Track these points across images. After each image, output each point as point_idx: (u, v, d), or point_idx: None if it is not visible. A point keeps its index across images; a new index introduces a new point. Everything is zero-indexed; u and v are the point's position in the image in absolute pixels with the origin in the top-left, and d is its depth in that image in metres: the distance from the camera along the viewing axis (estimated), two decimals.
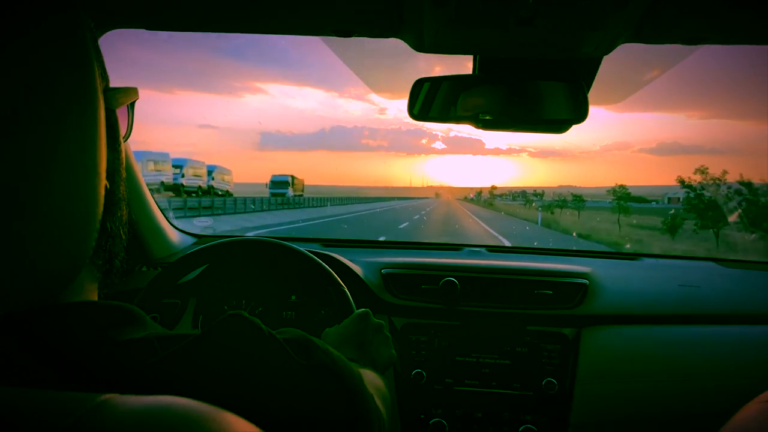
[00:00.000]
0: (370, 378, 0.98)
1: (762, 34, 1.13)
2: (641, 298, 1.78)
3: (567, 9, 1.02)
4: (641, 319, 1.72)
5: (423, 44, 1.21)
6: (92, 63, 0.45)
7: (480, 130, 1.50)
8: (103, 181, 0.48)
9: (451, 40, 1.19)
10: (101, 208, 0.48)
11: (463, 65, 1.49)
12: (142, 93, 0.69)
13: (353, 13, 1.13)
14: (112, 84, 0.61)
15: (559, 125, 1.44)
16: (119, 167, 0.60)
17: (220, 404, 0.43)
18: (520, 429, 1.56)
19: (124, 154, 0.63)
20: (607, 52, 1.23)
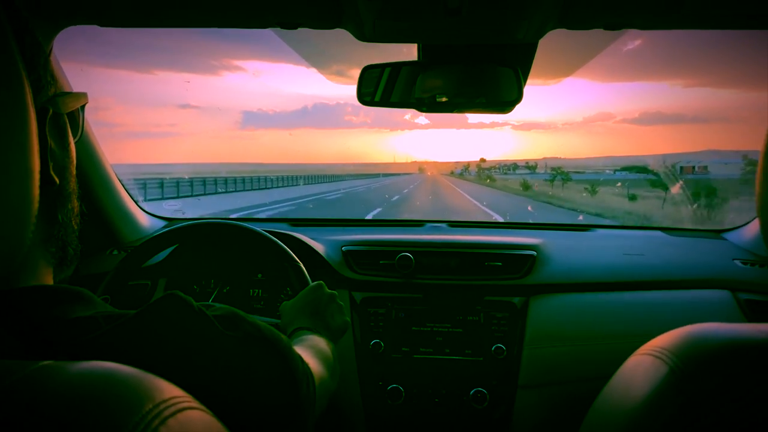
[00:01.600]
0: (314, 342, 1.07)
1: (680, 19, 1.21)
2: (587, 266, 1.89)
3: (488, 0, 1.10)
4: (586, 286, 1.82)
5: (364, 34, 1.28)
6: (20, 75, 0.51)
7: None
8: (36, 180, 0.54)
9: (389, 30, 1.26)
10: (36, 204, 0.54)
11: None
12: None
13: (296, 6, 1.19)
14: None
15: (501, 106, 1.52)
16: (69, 165, 0.68)
17: (156, 371, 0.50)
18: (471, 392, 1.67)
19: (74, 153, 0.70)
20: (538, 37, 1.31)
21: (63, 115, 0.67)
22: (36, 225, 0.62)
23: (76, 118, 0.72)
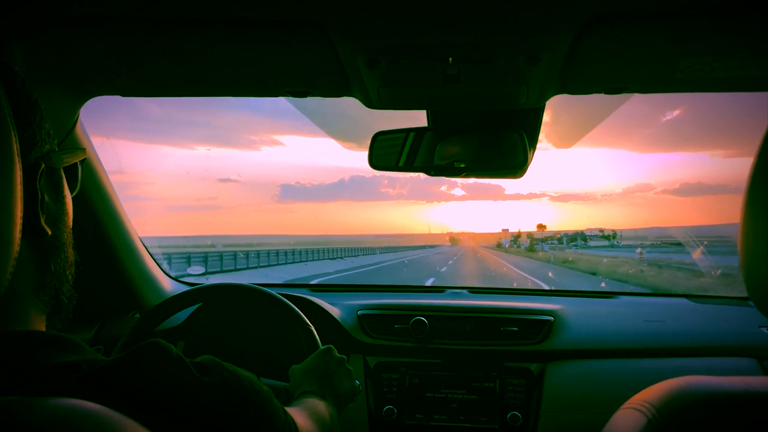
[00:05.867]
0: (312, 404, 1.07)
1: (676, 82, 1.24)
2: (606, 333, 1.85)
3: (486, 67, 1.14)
4: (605, 353, 1.78)
5: (372, 102, 1.34)
6: (8, 132, 0.55)
7: (440, 177, 1.63)
8: (18, 225, 0.57)
9: (394, 98, 1.31)
10: (16, 246, 0.57)
11: None
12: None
13: (306, 76, 1.26)
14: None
15: (510, 170, 1.55)
16: (63, 217, 0.71)
17: (130, 413, 0.52)
18: None
19: (69, 206, 0.74)
20: (540, 103, 1.35)
21: (58, 170, 0.71)
22: (27, 273, 0.65)
23: (74, 174, 0.76)
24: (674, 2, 0.93)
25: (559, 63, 1.13)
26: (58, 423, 0.45)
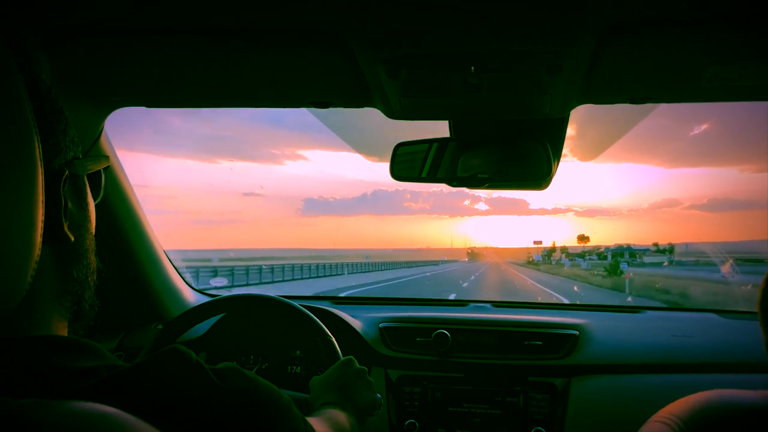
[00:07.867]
0: (332, 415, 1.07)
1: (702, 91, 1.21)
2: (632, 348, 1.81)
3: (508, 76, 1.13)
4: (631, 368, 1.74)
5: (393, 112, 1.34)
6: (32, 138, 0.56)
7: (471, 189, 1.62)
8: (39, 229, 0.57)
9: (416, 107, 1.31)
10: (37, 250, 0.57)
11: None
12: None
13: (327, 86, 1.26)
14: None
15: (534, 181, 1.53)
16: (86, 223, 0.72)
17: (149, 418, 0.51)
18: None
19: (92, 212, 0.75)
20: (563, 113, 1.33)
21: (82, 177, 0.71)
22: (50, 279, 0.66)
23: (97, 181, 0.77)
24: (699, 9, 0.91)
25: (581, 72, 1.12)
26: (74, 425, 0.45)
